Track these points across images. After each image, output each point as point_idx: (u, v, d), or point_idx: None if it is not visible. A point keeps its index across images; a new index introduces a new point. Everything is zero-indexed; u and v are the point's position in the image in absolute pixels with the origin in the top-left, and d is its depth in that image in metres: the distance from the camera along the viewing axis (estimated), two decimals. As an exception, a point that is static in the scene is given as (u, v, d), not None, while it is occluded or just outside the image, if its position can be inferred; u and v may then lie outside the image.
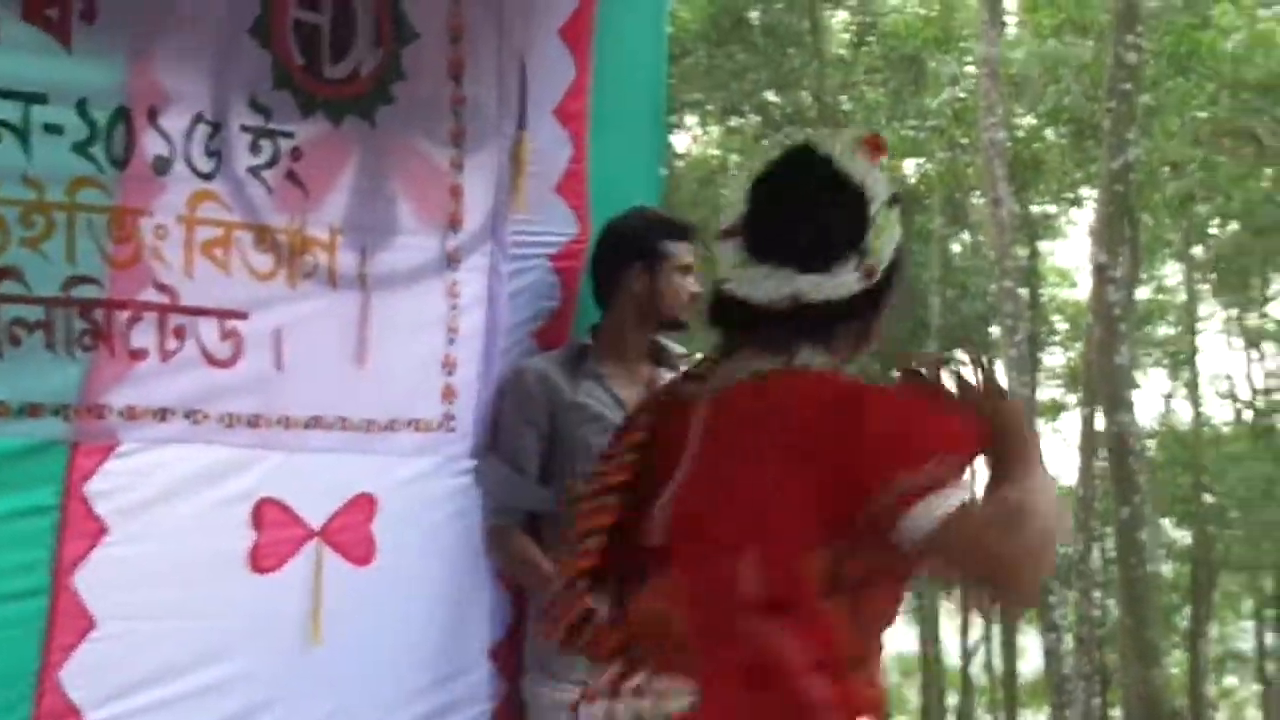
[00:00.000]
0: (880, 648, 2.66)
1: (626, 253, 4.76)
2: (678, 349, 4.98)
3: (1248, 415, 29.08)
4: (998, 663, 28.50)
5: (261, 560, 4.41)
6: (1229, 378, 30.05)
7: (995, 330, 18.27)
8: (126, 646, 4.19)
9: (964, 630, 29.93)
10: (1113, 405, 13.47)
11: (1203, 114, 20.66)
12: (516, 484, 4.64)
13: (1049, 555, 2.47)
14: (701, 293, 4.66)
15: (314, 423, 4.49)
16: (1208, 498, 26.59)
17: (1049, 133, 20.80)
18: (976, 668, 30.25)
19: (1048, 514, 2.44)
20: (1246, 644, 32.52)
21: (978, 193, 16.64)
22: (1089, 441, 17.40)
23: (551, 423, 4.63)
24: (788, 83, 24.63)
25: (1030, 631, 22.84)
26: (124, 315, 4.22)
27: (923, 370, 2.76)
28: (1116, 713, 17.63)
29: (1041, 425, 19.67)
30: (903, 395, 2.72)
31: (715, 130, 25.28)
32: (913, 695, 29.91)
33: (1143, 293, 23.49)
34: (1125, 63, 12.94)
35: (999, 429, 2.58)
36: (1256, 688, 31.09)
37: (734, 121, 24.53)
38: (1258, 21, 20.14)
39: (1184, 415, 28.34)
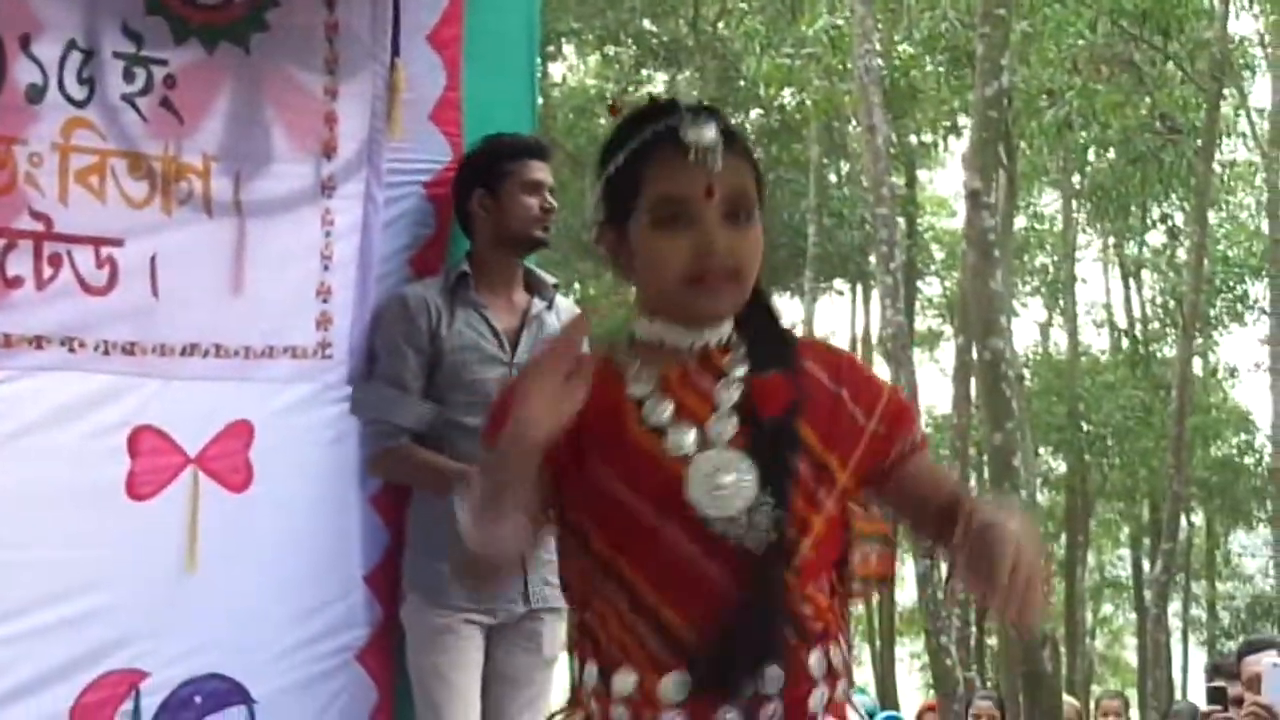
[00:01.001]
0: None
1: (470, 178, 4.82)
2: (549, 279, 5.03)
3: (1125, 344, 29.34)
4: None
5: (138, 488, 4.42)
6: (1107, 307, 30.33)
7: (872, 259, 18.33)
8: (1, 574, 4.23)
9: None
10: (986, 332, 13.55)
11: (1080, 41, 20.78)
12: (401, 402, 4.64)
13: None
14: (553, 208, 4.81)
15: (190, 350, 4.49)
16: (1084, 426, 26.80)
17: (926, 60, 20.86)
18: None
19: None
20: (1123, 572, 32.79)
21: (854, 121, 16.66)
22: (964, 370, 17.55)
23: (432, 345, 4.64)
24: (664, 11, 24.62)
25: (905, 559, 23.04)
26: (-1, 243, 4.25)
27: None
28: (992, 640, 17.85)
29: (919, 354, 19.76)
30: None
31: (592, 60, 25.20)
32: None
33: (1020, 221, 23.66)
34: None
35: None
36: (1133, 616, 31.31)
37: (610, 50, 24.46)
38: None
39: (1061, 344, 28.56)
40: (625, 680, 2.45)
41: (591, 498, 2.48)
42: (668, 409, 2.52)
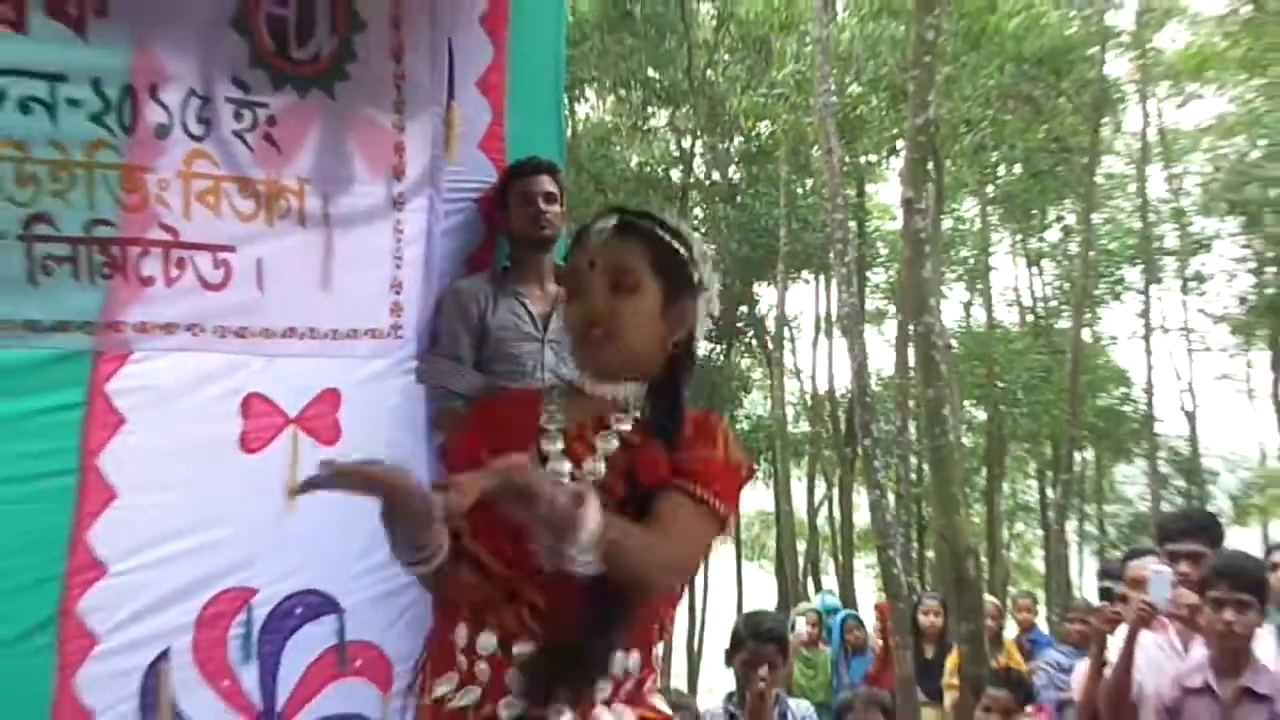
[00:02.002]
0: None
1: (497, 195, 4.93)
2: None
3: (1029, 319, 29.37)
4: (837, 515, 28.72)
5: (249, 443, 4.43)
6: (1015, 289, 30.37)
7: (830, 255, 18.31)
8: (140, 513, 4.20)
9: (810, 490, 30.23)
10: (920, 311, 13.55)
11: (991, 81, 20.79)
12: (456, 372, 4.68)
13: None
14: (551, 214, 4.81)
15: (289, 333, 4.50)
16: (999, 384, 26.85)
17: (871, 98, 20.84)
18: (821, 520, 30.54)
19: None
20: (1032, 498, 32.88)
21: (815, 146, 16.63)
22: (903, 341, 17.51)
23: (481, 326, 4.69)
24: (664, 62, 24.60)
25: (860, 491, 23.04)
26: (135, 250, 4.21)
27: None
28: (930, 552, 17.77)
29: (869, 329, 19.82)
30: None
31: (608, 100, 25.16)
32: (770, 542, 30.03)
33: (946, 223, 23.55)
34: (926, 40, 12.96)
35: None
36: (1040, 532, 31.46)
37: (622, 93, 24.44)
38: (1034, 6, 20.31)
39: (979, 319, 28.53)
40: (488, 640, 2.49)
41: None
42: (558, 444, 2.61)
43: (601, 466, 2.56)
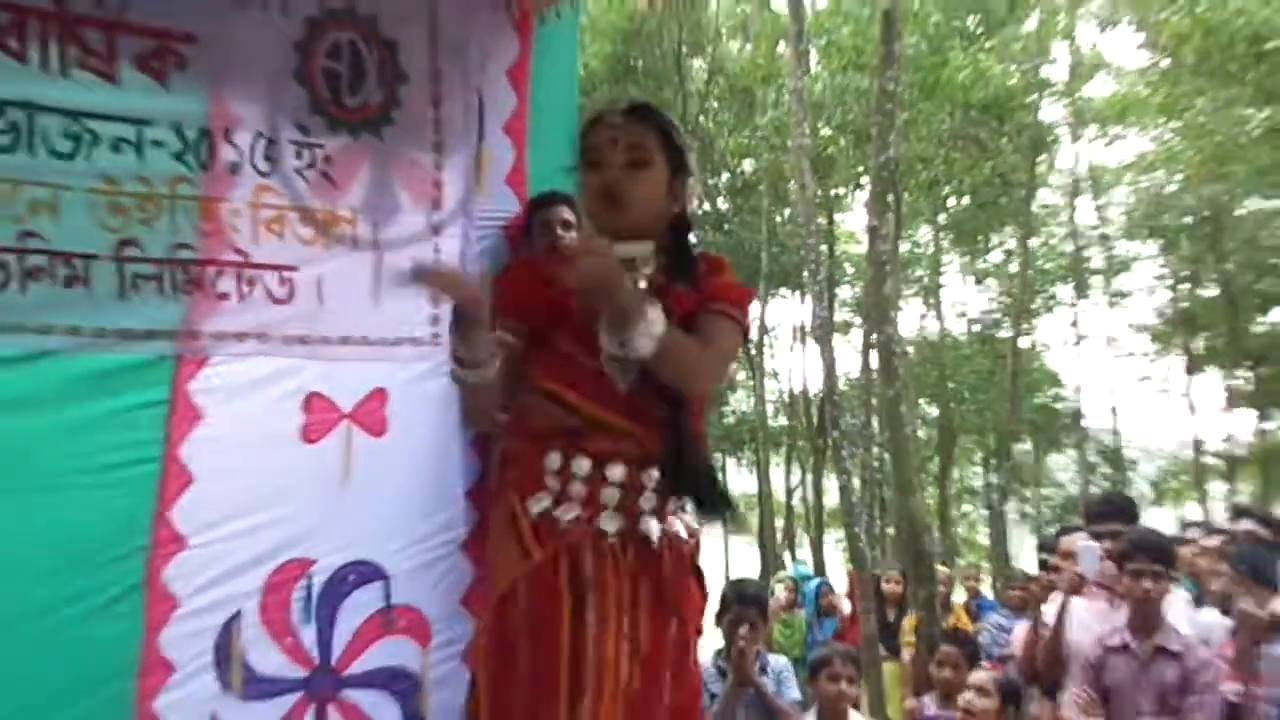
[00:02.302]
0: None
1: (522, 222, 4.87)
2: None
3: (975, 329, 29.35)
4: (810, 497, 28.69)
5: (309, 435, 4.41)
6: (963, 304, 30.34)
7: (804, 274, 18.31)
8: (215, 495, 4.18)
9: (787, 475, 30.22)
10: (881, 322, 13.61)
11: (943, 125, 20.80)
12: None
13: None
14: (568, 238, 4.71)
15: (344, 340, 4.48)
16: (949, 384, 26.86)
17: (839, 140, 20.83)
18: (796, 501, 30.53)
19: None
20: (977, 483, 32.87)
21: (792, 181, 16.63)
22: (867, 348, 17.49)
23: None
24: (662, 109, 24.62)
25: (830, 476, 23.04)
26: (211, 270, 4.20)
27: None
28: (890, 529, 17.74)
29: (838, 338, 19.82)
30: None
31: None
32: (753, 520, 30.00)
33: (903, 246, 23.55)
34: (887, 90, 12.98)
35: None
36: (984, 512, 31.44)
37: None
38: (979, 60, 20.30)
39: (932, 329, 28.52)
40: (582, 464, 2.53)
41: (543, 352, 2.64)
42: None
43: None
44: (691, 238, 2.76)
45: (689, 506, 2.77)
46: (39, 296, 3.90)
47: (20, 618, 3.83)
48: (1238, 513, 6.16)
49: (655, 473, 2.61)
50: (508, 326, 2.57)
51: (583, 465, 2.53)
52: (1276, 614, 4.78)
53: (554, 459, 2.53)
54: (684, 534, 2.66)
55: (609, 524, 2.53)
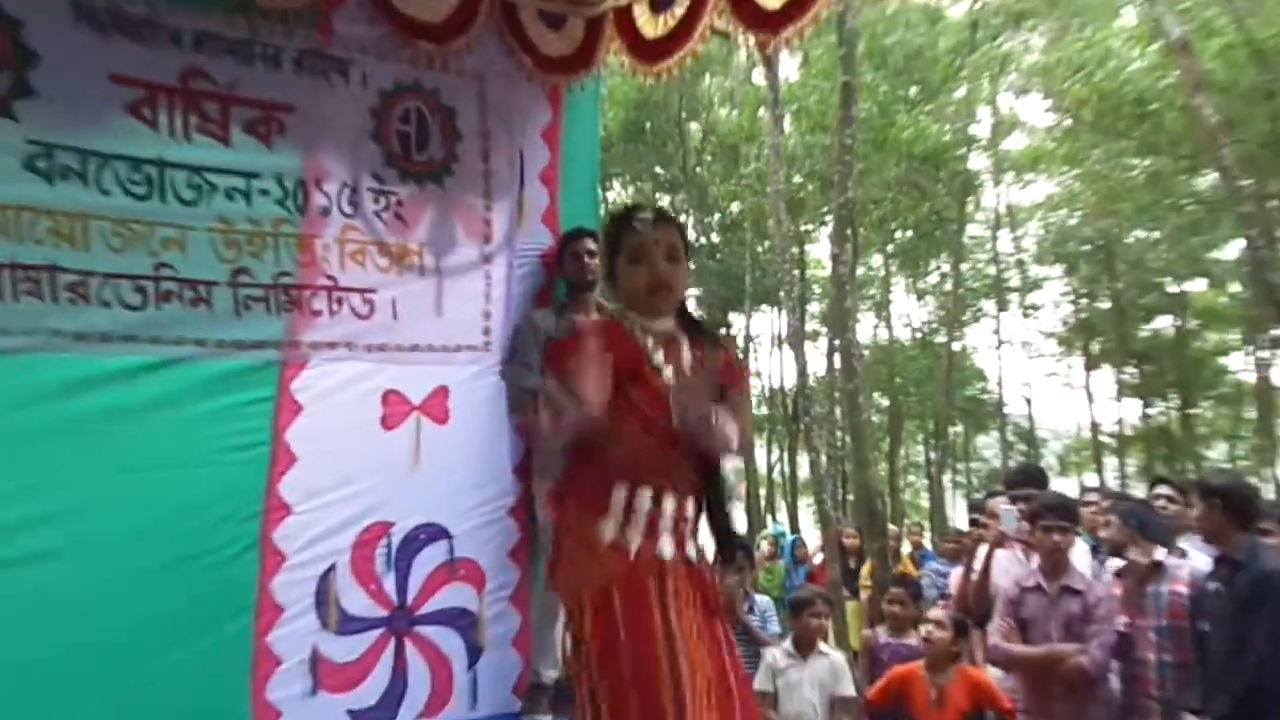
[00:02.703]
0: None
1: (556, 253, 4.86)
2: (609, 305, 5.02)
3: (917, 336, 29.31)
4: (786, 471, 28.64)
5: (387, 423, 4.42)
6: (907, 316, 30.28)
7: (781, 293, 18.29)
8: (314, 472, 4.20)
9: (768, 453, 30.16)
10: (842, 331, 13.57)
11: (890, 173, 20.80)
12: (527, 375, 4.60)
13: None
14: (592, 265, 4.71)
15: (414, 348, 4.50)
16: (897, 380, 26.90)
17: (808, 185, 20.83)
18: (775, 474, 30.45)
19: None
20: (919, 458, 32.75)
21: (770, 219, 16.65)
22: (831, 351, 17.48)
23: (546, 342, 4.58)
24: (666, 162, 24.68)
25: (803, 454, 22.98)
26: (307, 292, 4.23)
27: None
28: (850, 496, 17.67)
29: (809, 345, 19.85)
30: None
31: (629, 189, 25.13)
32: (741, 489, 29.96)
33: (860, 270, 23.48)
34: (845, 145, 12.96)
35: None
36: (925, 481, 31.36)
37: (638, 184, 24.45)
38: (920, 121, 20.32)
39: (883, 336, 28.50)
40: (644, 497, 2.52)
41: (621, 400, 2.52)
42: (660, 354, 2.64)
43: (687, 368, 2.64)
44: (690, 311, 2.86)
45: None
46: (171, 315, 3.92)
47: (165, 567, 3.85)
48: (1156, 480, 6.12)
49: (692, 505, 2.62)
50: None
51: (643, 497, 2.54)
52: (1156, 561, 4.77)
53: (620, 491, 2.52)
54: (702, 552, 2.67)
55: (668, 550, 2.54)
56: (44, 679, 3.57)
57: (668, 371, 2.61)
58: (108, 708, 3.69)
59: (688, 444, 2.60)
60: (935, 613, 5.69)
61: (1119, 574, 5.05)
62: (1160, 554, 4.82)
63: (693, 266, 2.87)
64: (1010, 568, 5.31)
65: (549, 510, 2.71)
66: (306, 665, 4.16)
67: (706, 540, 2.72)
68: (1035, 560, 5.18)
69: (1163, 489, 5.92)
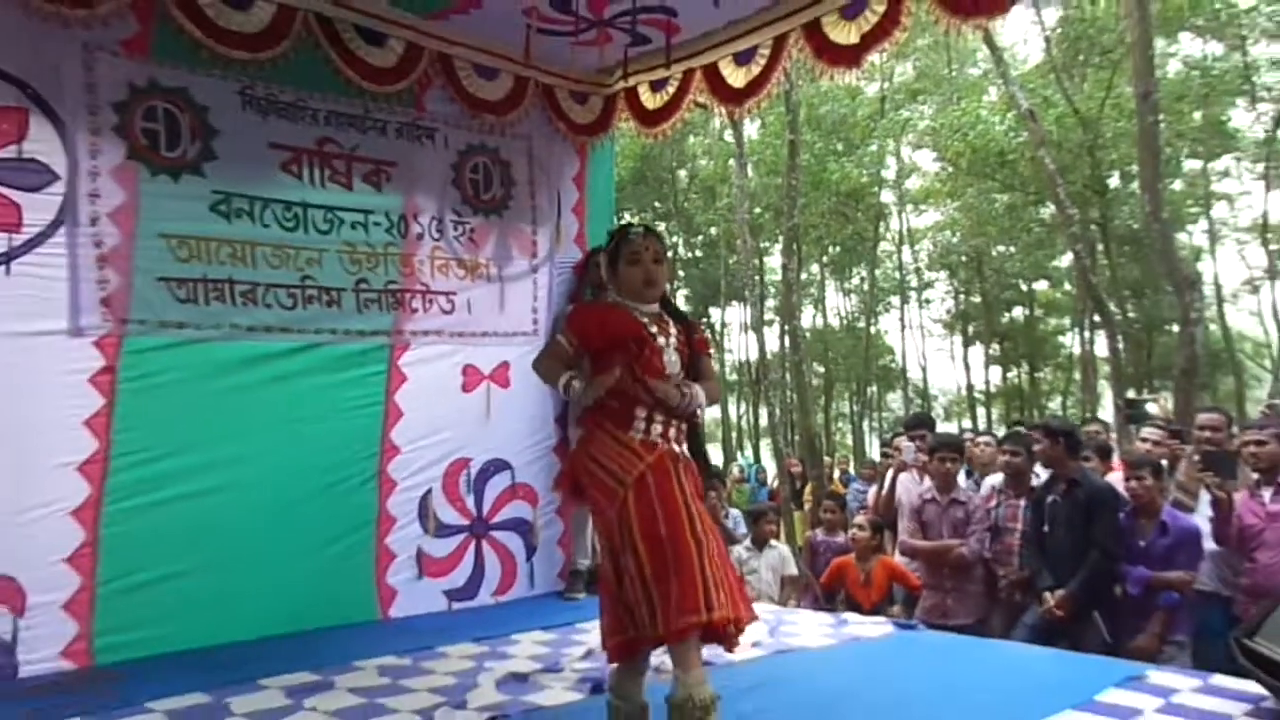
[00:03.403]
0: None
1: (585, 264, 4.76)
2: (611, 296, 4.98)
3: (845, 322, 29.13)
4: (750, 420, 28.49)
5: (466, 388, 4.40)
6: (837, 308, 30.04)
7: (746, 292, 18.23)
8: (415, 423, 4.19)
9: (738, 408, 30.00)
10: (790, 319, 13.52)
11: (824, 205, 20.68)
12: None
13: None
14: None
15: (484, 334, 4.46)
16: (829, 353, 26.78)
17: (765, 215, 20.72)
18: (743, 423, 30.24)
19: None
20: (846, 409, 32.21)
21: (738, 239, 16.57)
22: (783, 334, 17.44)
23: None
24: (662, 199, 24.54)
25: (762, 408, 22.95)
26: (408, 295, 4.20)
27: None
28: (796, 437, 17.63)
29: (767, 329, 19.77)
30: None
31: (637, 217, 24.95)
32: (718, 433, 29.74)
33: (803, 275, 23.39)
34: (792, 185, 12.89)
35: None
36: (850, 425, 30.95)
37: (640, 215, 24.28)
38: (844, 167, 20.24)
39: (820, 323, 28.26)
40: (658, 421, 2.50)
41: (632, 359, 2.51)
42: (653, 328, 2.58)
43: (674, 340, 2.58)
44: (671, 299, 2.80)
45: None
46: (313, 313, 3.92)
47: (313, 493, 3.89)
48: (1042, 426, 6.00)
49: (682, 427, 2.58)
50: (578, 347, 2.58)
51: (656, 418, 2.49)
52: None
53: (640, 412, 2.47)
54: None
55: (677, 447, 2.53)
56: (231, 574, 3.61)
57: (660, 340, 2.56)
58: (278, 593, 3.73)
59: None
60: (860, 519, 5.71)
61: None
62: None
63: (681, 272, 2.78)
64: (910, 486, 5.32)
65: (582, 426, 2.63)
66: (414, 560, 4.18)
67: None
68: (928, 480, 5.18)
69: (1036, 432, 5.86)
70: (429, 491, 4.25)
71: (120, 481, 3.38)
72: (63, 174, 3.28)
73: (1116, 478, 4.94)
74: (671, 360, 2.57)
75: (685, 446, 2.57)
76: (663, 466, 2.43)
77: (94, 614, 3.31)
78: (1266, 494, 4.03)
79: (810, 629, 3.86)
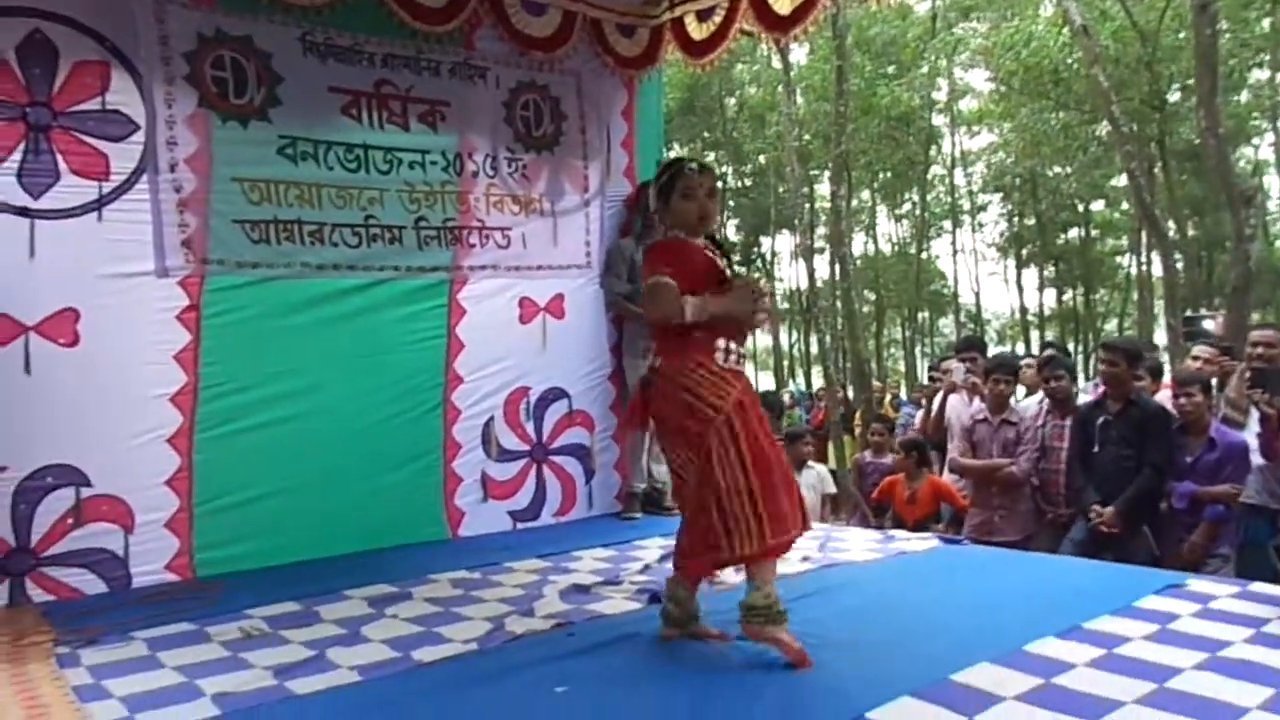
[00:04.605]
0: None
1: (635, 198, 4.80)
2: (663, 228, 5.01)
3: (896, 249, 28.60)
4: (802, 348, 28.37)
5: (523, 320, 4.50)
6: (889, 234, 29.49)
7: (796, 220, 18.03)
8: (476, 354, 4.31)
9: (790, 336, 29.78)
10: (840, 246, 13.40)
11: (873, 129, 20.24)
12: (617, 282, 4.61)
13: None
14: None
15: (539, 268, 4.54)
16: (879, 280, 26.41)
17: (814, 142, 20.31)
18: (795, 350, 30.04)
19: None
20: (898, 335, 31.83)
21: (787, 168, 16.28)
22: (833, 261, 17.23)
23: (630, 260, 4.58)
24: (711, 128, 24.16)
25: (813, 335, 22.83)
26: (465, 231, 4.29)
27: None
28: (847, 363, 17.50)
29: (817, 256, 19.52)
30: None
31: (685, 149, 24.59)
32: (771, 360, 29.63)
33: (854, 202, 23.00)
34: (840, 111, 12.66)
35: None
36: (901, 351, 30.71)
37: (690, 146, 23.95)
38: (894, 91, 19.73)
39: (870, 250, 27.84)
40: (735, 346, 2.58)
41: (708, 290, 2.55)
42: (716, 255, 2.64)
43: (725, 262, 2.63)
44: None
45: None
46: (377, 251, 4.04)
47: (383, 420, 4.06)
48: (1108, 345, 5.87)
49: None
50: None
51: (732, 348, 2.57)
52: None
53: (722, 343, 2.53)
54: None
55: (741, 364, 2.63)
56: (311, 496, 3.81)
57: (727, 273, 2.62)
58: (355, 514, 3.93)
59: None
60: (878, 438, 5.84)
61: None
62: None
63: (730, 202, 2.77)
64: (960, 407, 5.35)
65: (661, 358, 2.66)
66: (479, 483, 4.35)
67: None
68: (977, 401, 5.21)
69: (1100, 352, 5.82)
70: (491, 419, 4.39)
71: (208, 411, 3.59)
72: (142, 124, 3.43)
73: (1165, 396, 4.92)
74: (773, 313, 2.69)
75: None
76: (751, 393, 2.57)
77: (192, 532, 3.56)
78: (1316, 409, 4.00)
79: (858, 544, 3.98)
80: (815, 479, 5.76)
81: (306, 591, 3.20)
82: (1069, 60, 15.84)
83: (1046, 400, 4.99)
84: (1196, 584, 3.08)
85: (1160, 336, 14.51)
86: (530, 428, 4.54)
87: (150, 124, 3.44)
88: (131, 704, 2.18)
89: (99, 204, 3.34)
